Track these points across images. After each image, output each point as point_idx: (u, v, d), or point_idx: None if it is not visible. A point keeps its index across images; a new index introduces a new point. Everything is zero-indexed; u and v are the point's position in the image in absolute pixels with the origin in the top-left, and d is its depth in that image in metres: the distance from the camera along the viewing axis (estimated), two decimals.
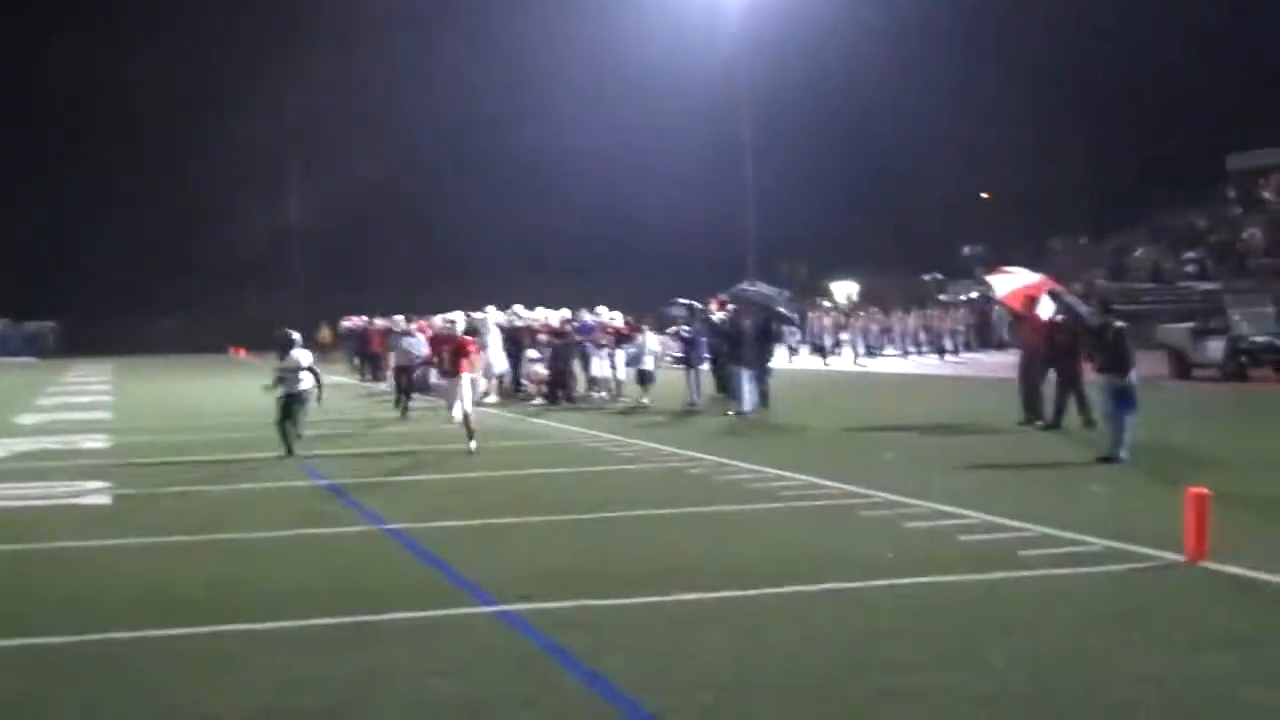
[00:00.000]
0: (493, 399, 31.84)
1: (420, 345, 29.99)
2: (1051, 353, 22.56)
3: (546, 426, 25.07)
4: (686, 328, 31.06)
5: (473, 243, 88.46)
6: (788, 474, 16.50)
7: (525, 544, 12.13)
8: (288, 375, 20.60)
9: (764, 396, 27.10)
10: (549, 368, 32.14)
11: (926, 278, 74.40)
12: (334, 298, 73.30)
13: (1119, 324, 17.61)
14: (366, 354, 44.15)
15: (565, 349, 31.94)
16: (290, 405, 20.47)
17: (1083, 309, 22.31)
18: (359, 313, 49.47)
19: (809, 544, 11.81)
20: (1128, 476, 15.90)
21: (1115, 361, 17.28)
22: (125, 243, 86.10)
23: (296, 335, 21.23)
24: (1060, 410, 22.02)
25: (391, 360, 33.60)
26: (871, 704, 6.93)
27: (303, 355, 20.90)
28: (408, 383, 30.37)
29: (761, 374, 27.43)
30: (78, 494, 16.49)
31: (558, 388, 31.55)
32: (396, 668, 7.90)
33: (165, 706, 7.22)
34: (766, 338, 28.07)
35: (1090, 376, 18.43)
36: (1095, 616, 8.82)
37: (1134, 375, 17.30)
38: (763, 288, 30.92)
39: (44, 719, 7.08)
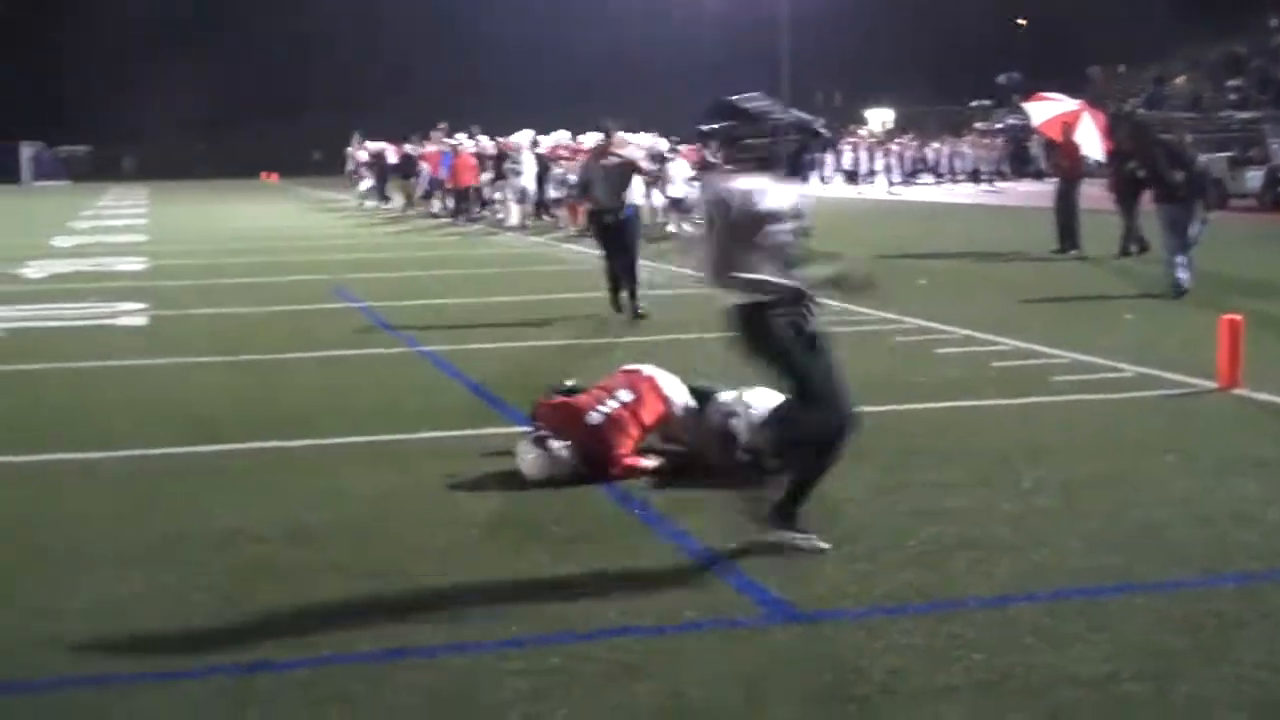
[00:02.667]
0: (514, 221, 31.76)
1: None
2: (1118, 179, 22.03)
3: (579, 253, 25.00)
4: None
5: (493, 61, 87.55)
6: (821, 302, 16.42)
7: (573, 368, 12.17)
8: None
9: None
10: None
11: (974, 104, 73.02)
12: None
13: (1202, 157, 17.00)
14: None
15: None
16: None
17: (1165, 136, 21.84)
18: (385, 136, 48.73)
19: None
20: (1163, 306, 15.77)
21: (1194, 192, 16.57)
22: (158, 69, 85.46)
23: None
24: (1135, 237, 21.58)
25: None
26: (903, 523, 6.94)
27: None
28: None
29: None
30: (114, 315, 16.58)
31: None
32: (424, 483, 7.96)
33: (191, 519, 7.28)
34: (798, 164, 27.72)
35: (1148, 206, 17.99)
36: (1125, 440, 8.79)
37: (1202, 210, 16.61)
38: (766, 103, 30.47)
39: (69, 529, 7.15)
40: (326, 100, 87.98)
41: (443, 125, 38.09)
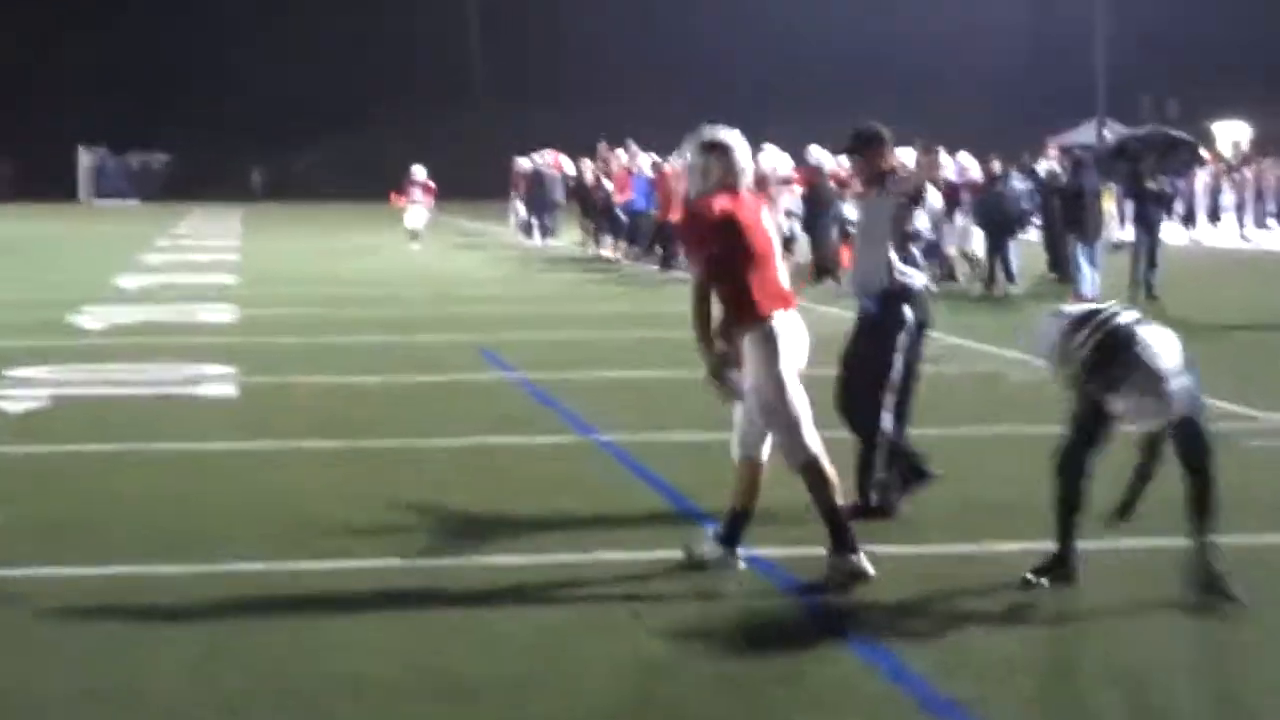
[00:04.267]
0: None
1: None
2: None
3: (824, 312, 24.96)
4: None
5: (710, 59, 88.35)
6: None
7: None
8: None
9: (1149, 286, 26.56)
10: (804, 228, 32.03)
11: None
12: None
13: None
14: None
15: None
16: None
17: None
18: (554, 145, 49.47)
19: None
20: None
21: None
22: (256, 54, 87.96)
23: None
24: None
25: None
26: None
27: None
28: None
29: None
30: (195, 381, 16.99)
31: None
32: (603, 621, 7.99)
33: (302, 661, 7.40)
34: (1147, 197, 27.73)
35: None
36: None
37: None
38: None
39: (146, 669, 7.32)
40: (488, 96, 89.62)
41: (597, 141, 38.60)
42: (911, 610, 8.32)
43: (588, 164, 41.78)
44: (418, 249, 41.02)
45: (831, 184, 31.16)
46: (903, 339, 10.31)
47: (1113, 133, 59.61)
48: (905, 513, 10.29)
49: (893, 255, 10.29)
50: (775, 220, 10.73)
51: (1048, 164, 32.64)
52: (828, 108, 63.32)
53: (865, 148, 10.60)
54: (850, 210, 31.17)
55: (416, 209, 42.88)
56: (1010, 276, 28.08)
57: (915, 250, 10.45)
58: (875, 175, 10.59)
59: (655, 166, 36.36)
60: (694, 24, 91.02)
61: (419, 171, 42.82)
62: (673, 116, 45.66)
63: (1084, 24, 64.91)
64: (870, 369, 10.36)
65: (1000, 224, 28.23)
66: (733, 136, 8.98)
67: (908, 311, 10.33)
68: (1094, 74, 62.66)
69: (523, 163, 46.75)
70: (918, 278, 10.44)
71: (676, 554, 9.23)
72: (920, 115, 55.56)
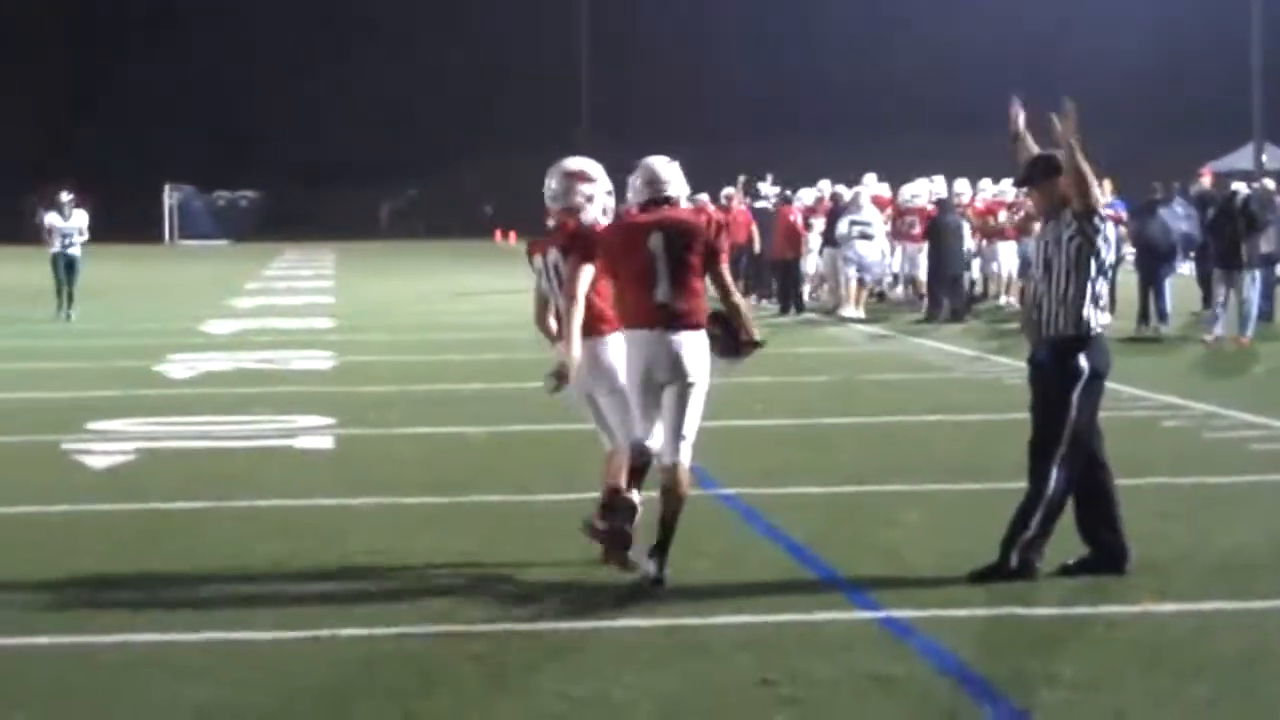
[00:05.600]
0: (852, 311, 31.86)
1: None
2: None
3: (928, 350, 24.90)
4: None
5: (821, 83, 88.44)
6: None
7: (923, 522, 12.10)
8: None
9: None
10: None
11: None
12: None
13: None
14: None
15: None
16: None
17: None
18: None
19: None
20: None
21: None
22: (348, 88, 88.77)
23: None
24: None
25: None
26: None
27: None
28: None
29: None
30: (289, 433, 17.14)
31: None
32: (728, 689, 8.00)
33: None
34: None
35: None
36: None
37: None
38: None
39: None
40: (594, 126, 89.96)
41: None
42: (1052, 674, 8.28)
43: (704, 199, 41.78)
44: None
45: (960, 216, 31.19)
46: (1078, 391, 10.15)
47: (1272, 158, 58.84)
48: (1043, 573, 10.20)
49: (1071, 296, 10.16)
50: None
51: (1198, 189, 32.38)
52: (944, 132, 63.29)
53: (1043, 178, 10.43)
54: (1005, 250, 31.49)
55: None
56: (1163, 315, 27.70)
57: (1099, 290, 10.25)
58: (1053, 208, 10.37)
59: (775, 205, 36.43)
60: (799, 57, 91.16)
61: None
62: (780, 150, 45.90)
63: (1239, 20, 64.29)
64: (1041, 421, 10.26)
65: (1155, 256, 27.67)
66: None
67: (1083, 360, 10.20)
68: (1249, 84, 61.85)
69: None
70: (1098, 320, 10.30)
71: (804, 616, 9.22)
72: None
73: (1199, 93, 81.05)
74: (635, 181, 10.62)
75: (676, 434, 10.31)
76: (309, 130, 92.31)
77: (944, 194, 33.54)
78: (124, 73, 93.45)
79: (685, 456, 10.35)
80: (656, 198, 10.52)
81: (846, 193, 34.45)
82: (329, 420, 17.91)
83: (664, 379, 10.26)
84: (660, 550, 10.15)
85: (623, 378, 10.53)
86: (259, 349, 26.48)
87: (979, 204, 33.69)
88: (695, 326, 10.28)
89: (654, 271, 10.23)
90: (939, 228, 31.25)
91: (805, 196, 36.24)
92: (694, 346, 10.26)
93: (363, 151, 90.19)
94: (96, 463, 14.84)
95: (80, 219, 33.50)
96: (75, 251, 32.99)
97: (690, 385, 10.26)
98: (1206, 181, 31.63)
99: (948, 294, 30.95)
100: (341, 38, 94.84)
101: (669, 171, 10.61)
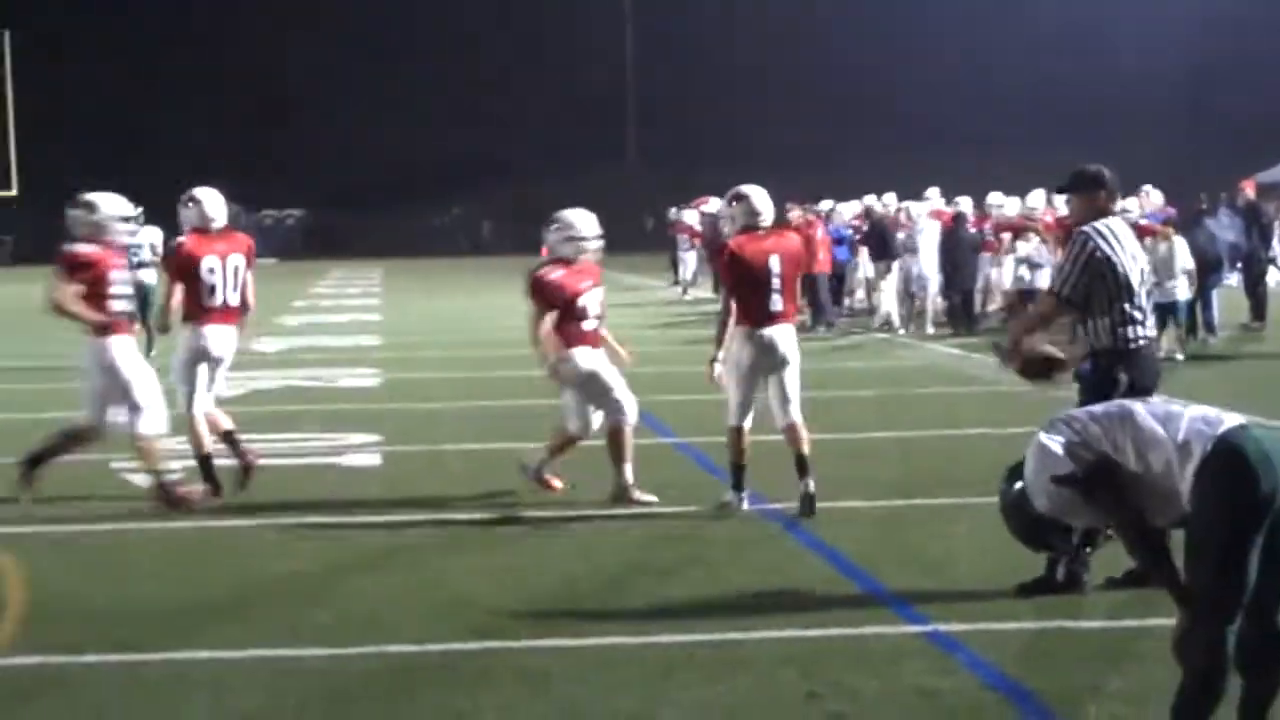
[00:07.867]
0: (896, 322, 31.85)
1: None
2: None
3: (975, 363, 24.80)
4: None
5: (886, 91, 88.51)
6: None
7: (970, 535, 12.10)
8: None
9: None
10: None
11: None
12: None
13: None
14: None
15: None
16: None
17: None
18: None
19: None
20: None
21: None
22: (396, 102, 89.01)
23: None
24: None
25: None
26: None
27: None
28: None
29: None
30: (337, 450, 17.20)
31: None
32: (775, 705, 8.00)
33: None
34: None
35: None
36: None
37: None
38: None
39: None
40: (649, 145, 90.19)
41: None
42: (1099, 687, 8.27)
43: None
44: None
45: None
46: None
47: None
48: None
49: (1110, 309, 10.15)
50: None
51: (1245, 200, 32.23)
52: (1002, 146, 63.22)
53: (1084, 188, 10.43)
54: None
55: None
56: (1210, 326, 27.58)
57: (1139, 303, 10.20)
58: (1088, 218, 10.31)
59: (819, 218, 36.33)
60: (842, 77, 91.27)
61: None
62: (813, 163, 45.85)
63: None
64: None
65: (1201, 267, 27.42)
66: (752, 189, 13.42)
67: (1122, 375, 10.15)
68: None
69: (689, 215, 46.32)
70: (1136, 333, 10.28)
71: (850, 630, 9.23)
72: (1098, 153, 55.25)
73: (1235, 106, 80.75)
74: (733, 209, 13.50)
75: (791, 400, 13.53)
76: (354, 150, 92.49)
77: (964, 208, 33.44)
78: (172, 88, 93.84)
79: (798, 416, 13.48)
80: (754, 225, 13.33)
81: (880, 206, 34.46)
82: (376, 437, 17.97)
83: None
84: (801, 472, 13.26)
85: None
86: (307, 366, 26.56)
87: (1048, 219, 33.50)
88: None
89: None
90: (955, 241, 31.16)
91: (845, 211, 36.00)
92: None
93: (405, 172, 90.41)
94: (145, 481, 14.87)
95: (151, 234, 27.88)
96: (147, 276, 26.70)
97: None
98: (1250, 193, 31.44)
99: (962, 308, 31.12)
100: (391, 52, 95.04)
101: (762, 203, 13.34)
